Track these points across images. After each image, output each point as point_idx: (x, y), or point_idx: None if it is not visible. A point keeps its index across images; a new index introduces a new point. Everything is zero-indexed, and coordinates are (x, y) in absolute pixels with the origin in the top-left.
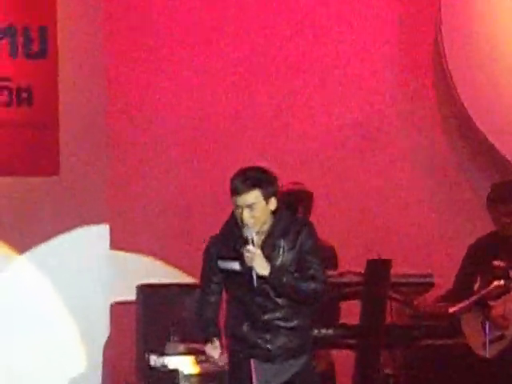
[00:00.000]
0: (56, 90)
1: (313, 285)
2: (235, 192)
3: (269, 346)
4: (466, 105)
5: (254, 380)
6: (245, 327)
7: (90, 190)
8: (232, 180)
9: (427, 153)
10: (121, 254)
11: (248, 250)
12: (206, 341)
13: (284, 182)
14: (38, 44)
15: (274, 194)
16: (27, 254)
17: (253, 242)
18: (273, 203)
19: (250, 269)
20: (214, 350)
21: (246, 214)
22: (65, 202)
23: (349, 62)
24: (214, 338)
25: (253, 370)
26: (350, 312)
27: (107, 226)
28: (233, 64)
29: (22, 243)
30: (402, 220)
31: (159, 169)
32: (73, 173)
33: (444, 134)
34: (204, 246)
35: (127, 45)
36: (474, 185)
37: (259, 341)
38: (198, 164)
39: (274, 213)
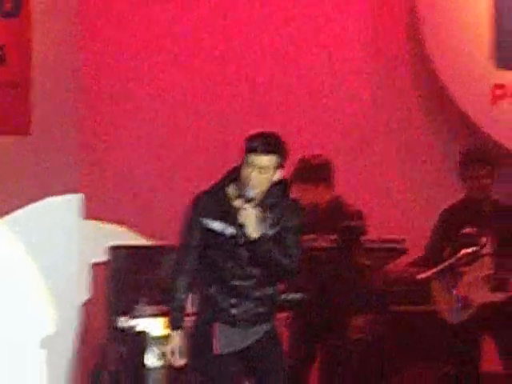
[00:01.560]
0: (29, 48)
1: (287, 261)
2: (254, 151)
3: (233, 311)
4: (438, 72)
5: (214, 343)
6: (212, 289)
7: (61, 150)
8: (253, 138)
9: (401, 122)
10: (93, 222)
11: (246, 208)
12: (170, 327)
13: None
14: (12, 2)
15: (282, 166)
16: None
17: (252, 202)
18: (278, 174)
19: (240, 226)
20: (176, 356)
21: (256, 175)
22: (36, 162)
23: (323, 39)
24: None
25: (215, 333)
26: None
27: (80, 195)
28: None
29: None
30: (374, 186)
31: (134, 133)
32: (44, 132)
33: (418, 101)
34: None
35: (101, 2)
36: (446, 151)
37: (224, 304)
38: (175, 130)
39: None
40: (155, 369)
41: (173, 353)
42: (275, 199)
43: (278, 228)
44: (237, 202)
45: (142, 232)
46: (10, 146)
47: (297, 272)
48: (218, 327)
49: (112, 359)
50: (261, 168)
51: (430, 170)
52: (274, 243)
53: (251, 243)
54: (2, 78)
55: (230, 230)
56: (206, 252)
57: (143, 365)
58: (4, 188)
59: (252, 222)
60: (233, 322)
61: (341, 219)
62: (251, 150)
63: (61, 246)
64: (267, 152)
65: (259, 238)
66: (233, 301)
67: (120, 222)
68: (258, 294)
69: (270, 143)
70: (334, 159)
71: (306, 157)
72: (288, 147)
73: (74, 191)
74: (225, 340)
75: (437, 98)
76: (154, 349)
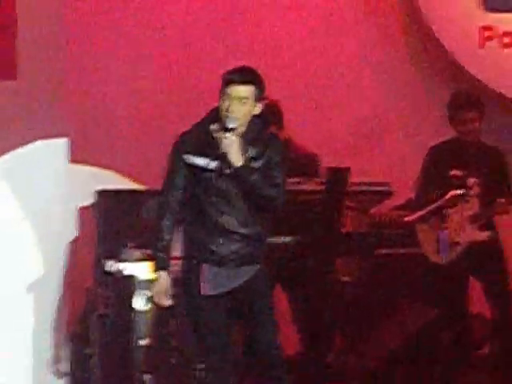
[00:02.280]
0: None
1: (274, 193)
2: (232, 81)
3: (221, 251)
4: (425, 15)
5: (202, 284)
6: (199, 230)
7: (48, 95)
8: (230, 72)
9: (388, 65)
10: (80, 166)
11: (227, 137)
12: (155, 268)
13: None
14: None
15: (261, 100)
16: None
17: (233, 132)
18: (258, 108)
19: (223, 157)
20: (162, 297)
21: (236, 106)
22: (22, 107)
23: None
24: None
25: (203, 275)
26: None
27: (66, 139)
28: None
29: None
30: (360, 129)
31: (122, 76)
32: (31, 77)
33: (405, 44)
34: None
35: None
36: (433, 94)
37: (212, 245)
38: (162, 74)
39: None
40: (143, 312)
41: (161, 293)
42: (256, 133)
43: (261, 161)
44: (218, 134)
45: (128, 176)
46: None
47: (283, 205)
48: (205, 268)
49: (100, 303)
50: (240, 99)
51: (418, 114)
52: (259, 175)
53: (236, 174)
54: None
55: (213, 164)
56: (190, 191)
57: (131, 308)
58: None
59: (234, 150)
60: (220, 262)
61: (293, 162)
62: (229, 82)
63: (48, 190)
64: (245, 82)
65: (243, 168)
66: (220, 240)
67: (107, 167)
68: (245, 231)
69: (247, 74)
70: (326, 106)
71: None
72: (265, 81)
73: (61, 136)
74: (212, 281)
75: (424, 40)
76: (142, 292)
